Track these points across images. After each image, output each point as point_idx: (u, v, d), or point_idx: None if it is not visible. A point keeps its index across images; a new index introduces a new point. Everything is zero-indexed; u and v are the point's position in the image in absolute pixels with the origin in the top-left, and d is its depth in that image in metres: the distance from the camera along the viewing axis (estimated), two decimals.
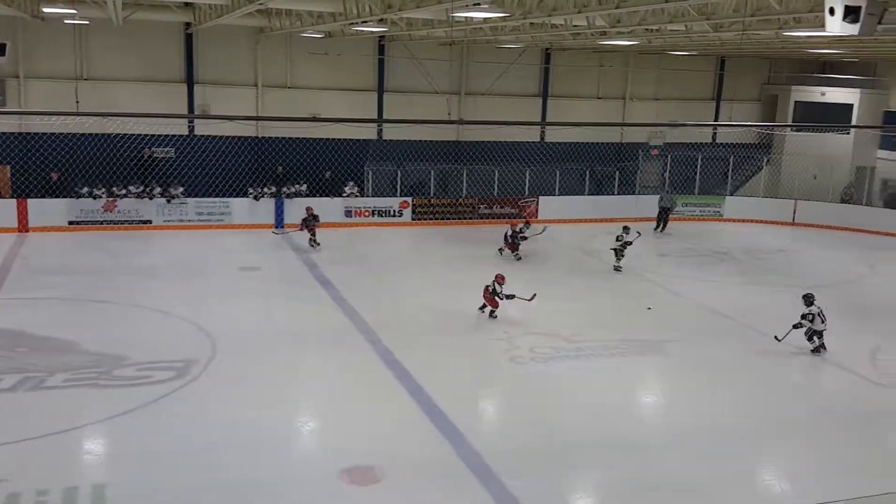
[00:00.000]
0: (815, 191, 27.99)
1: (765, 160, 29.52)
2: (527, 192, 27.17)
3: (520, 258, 20.84)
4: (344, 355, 13.63)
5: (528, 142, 27.90)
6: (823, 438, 11.26)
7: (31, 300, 15.89)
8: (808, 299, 14.34)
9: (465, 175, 26.65)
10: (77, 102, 22.99)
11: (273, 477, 9.39)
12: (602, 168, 28.00)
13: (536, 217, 26.52)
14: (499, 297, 15.51)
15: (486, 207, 26.55)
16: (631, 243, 20.06)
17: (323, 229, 22.20)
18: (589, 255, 22.27)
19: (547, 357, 13.82)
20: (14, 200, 22.45)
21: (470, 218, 26.23)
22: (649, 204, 26.81)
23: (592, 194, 27.52)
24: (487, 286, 15.62)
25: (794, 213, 27.41)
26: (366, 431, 10.69)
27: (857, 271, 21.56)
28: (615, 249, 20.12)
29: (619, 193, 27.75)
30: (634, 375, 13.44)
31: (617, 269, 20.05)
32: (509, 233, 21.29)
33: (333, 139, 25.21)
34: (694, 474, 9.88)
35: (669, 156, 29.02)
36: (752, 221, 27.42)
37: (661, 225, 25.80)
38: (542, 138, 28.65)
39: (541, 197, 26.95)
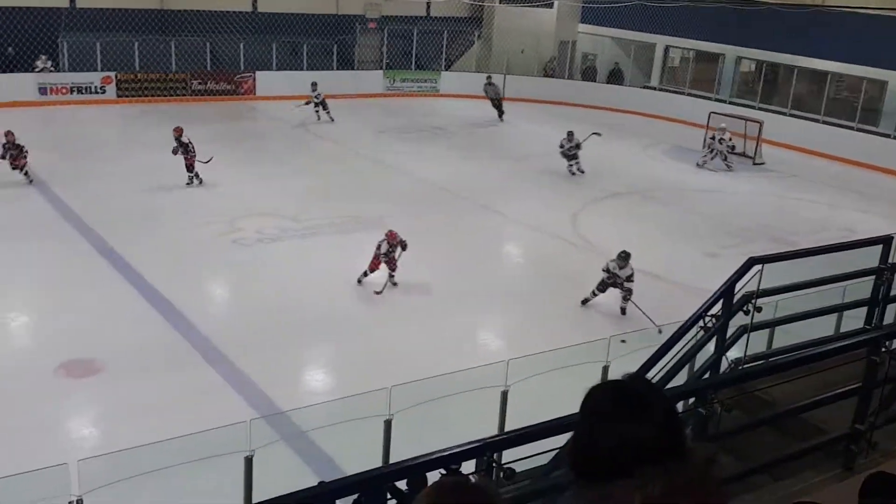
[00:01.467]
0: (523, 66, 29.54)
1: (476, 34, 30.57)
2: (242, 67, 26.11)
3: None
4: (53, 245, 12.80)
5: (239, 11, 26.47)
6: (532, 296, 12.40)
7: None
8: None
9: (173, 47, 24.91)
10: None
11: None
12: (320, 41, 27.40)
13: (255, 93, 25.75)
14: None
15: (199, 83, 25.18)
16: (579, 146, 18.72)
17: (12, 109, 19.90)
18: (311, 133, 22.13)
19: (272, 237, 13.81)
20: None
21: (182, 94, 24.77)
22: (368, 80, 26.97)
23: (311, 69, 26.93)
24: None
25: (504, 87, 28.80)
26: (85, 324, 10.25)
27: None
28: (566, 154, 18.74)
29: (337, 69, 27.45)
30: (357, 249, 13.77)
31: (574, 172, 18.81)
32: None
33: (17, 7, 22.28)
34: (411, 341, 10.51)
35: (387, 29, 29.10)
36: (466, 97, 28.44)
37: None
38: (255, 7, 27.33)
39: (258, 72, 26.05)
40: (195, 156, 15.85)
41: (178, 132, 15.76)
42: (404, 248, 11.94)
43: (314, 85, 22.39)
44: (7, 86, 21.78)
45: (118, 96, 23.82)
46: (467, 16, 30.69)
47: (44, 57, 22.78)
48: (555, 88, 28.91)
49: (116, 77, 23.78)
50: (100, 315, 10.54)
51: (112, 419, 8.40)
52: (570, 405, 2.07)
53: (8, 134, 15.46)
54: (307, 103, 22.43)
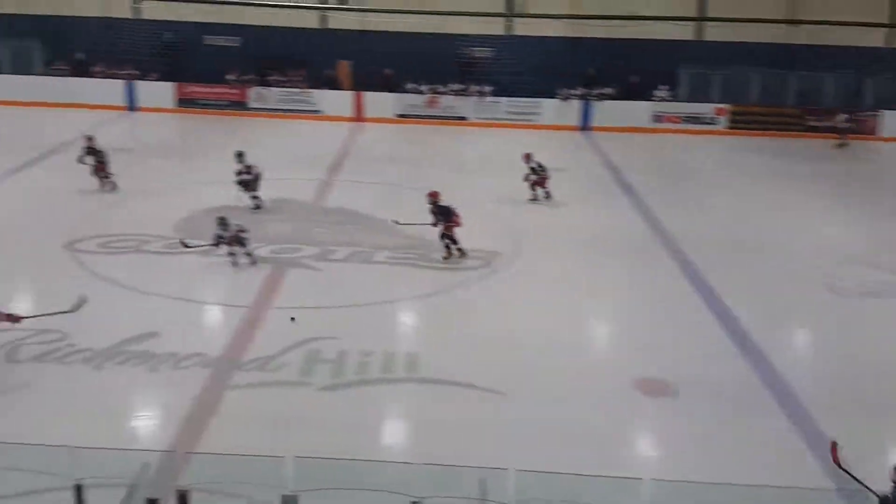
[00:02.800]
0: None
1: None
2: (866, 105, 24.53)
3: None
4: (643, 265, 13.51)
5: (872, 47, 24.99)
6: None
7: (363, 183, 17.82)
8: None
9: (793, 82, 24.63)
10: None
11: (568, 374, 9.70)
12: None
13: (875, 133, 24.07)
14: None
15: (814, 119, 24.45)
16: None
17: (629, 134, 22.07)
18: None
19: (873, 292, 12.60)
20: (353, 93, 24.93)
21: (796, 130, 24.38)
22: None
23: None
24: None
25: None
26: (664, 345, 10.53)
27: None
28: None
29: None
30: None
31: None
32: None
33: (647, 40, 24.58)
34: None
35: None
36: None
37: None
38: (891, 44, 25.42)
39: (886, 111, 24.13)
40: None
41: None
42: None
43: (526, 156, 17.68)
44: (624, 112, 24.21)
45: (729, 128, 24.57)
46: None
47: (662, 86, 24.70)
48: None
49: (730, 109, 24.56)
50: (678, 338, 10.74)
51: (672, 444, 8.45)
52: None
53: (89, 139, 16.33)
54: None
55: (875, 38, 25.27)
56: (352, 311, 11.11)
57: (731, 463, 7.88)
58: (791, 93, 24.88)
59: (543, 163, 17.01)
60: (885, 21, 25.39)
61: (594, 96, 24.64)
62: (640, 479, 5.89)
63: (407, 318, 11.35)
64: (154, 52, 25.08)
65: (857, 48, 24.35)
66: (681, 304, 11.98)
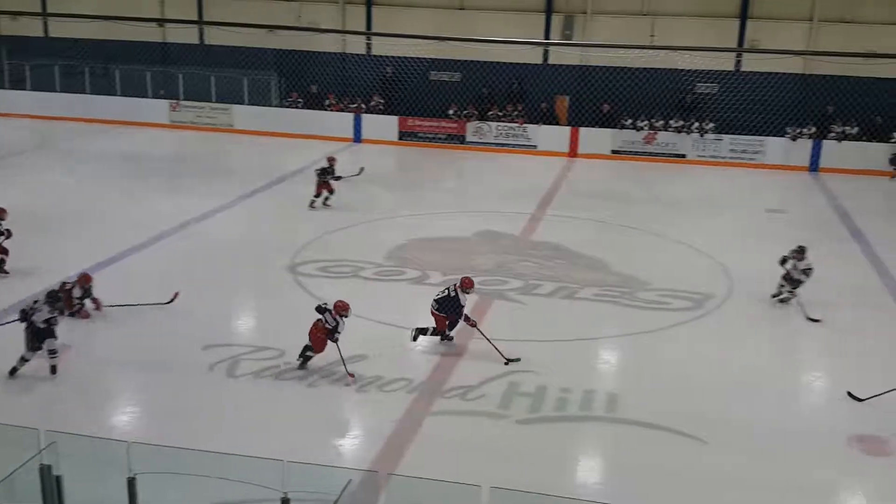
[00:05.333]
0: None
1: None
2: None
3: None
4: (867, 315, 12.75)
5: None
6: None
7: (572, 219, 17.85)
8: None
9: None
10: (652, 37, 24.30)
11: (775, 425, 9.35)
12: None
13: None
14: (335, 336, 10.18)
15: None
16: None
17: (864, 176, 20.49)
18: None
19: None
20: (569, 128, 25.07)
21: None
22: None
23: None
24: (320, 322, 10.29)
25: None
26: (883, 401, 9.84)
27: None
28: None
29: None
30: None
31: None
32: None
33: (891, 79, 22.79)
34: None
35: None
36: None
37: None
38: None
39: None
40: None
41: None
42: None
43: None
44: (860, 154, 22.68)
45: None
46: None
47: None
48: None
49: None
50: None
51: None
52: None
53: (330, 159, 17.80)
54: None
55: None
56: (554, 346, 11.16)
57: None
58: None
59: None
60: None
61: (833, 136, 23.16)
62: None
63: (610, 357, 11.22)
64: (379, 87, 26.51)
65: None
66: None
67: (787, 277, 12.79)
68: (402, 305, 12.55)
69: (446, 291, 10.95)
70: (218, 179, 20.47)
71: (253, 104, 27.10)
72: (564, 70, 25.41)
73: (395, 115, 26.03)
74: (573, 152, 24.70)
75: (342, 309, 10.15)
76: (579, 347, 11.30)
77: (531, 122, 25.17)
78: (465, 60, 25.65)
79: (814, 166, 23.11)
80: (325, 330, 10.12)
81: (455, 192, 21.09)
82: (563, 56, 25.30)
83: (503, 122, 25.29)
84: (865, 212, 18.72)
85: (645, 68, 23.35)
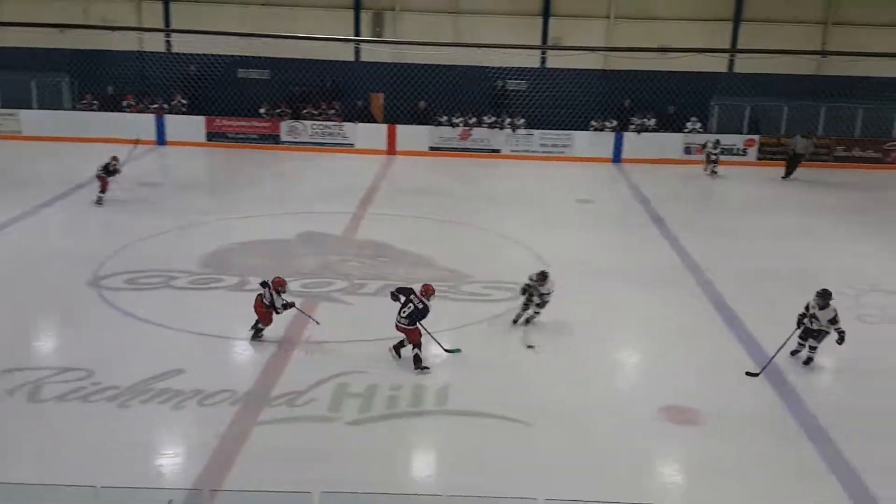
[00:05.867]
0: None
1: None
2: (895, 135, 24.34)
3: None
4: (671, 294, 13.55)
5: None
6: None
7: (394, 216, 17.85)
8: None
9: (822, 113, 24.49)
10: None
11: (591, 403, 9.77)
12: None
13: None
14: (276, 310, 11.01)
15: (843, 149, 24.36)
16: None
17: (661, 165, 21.89)
18: None
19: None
20: (386, 126, 25.07)
21: (824, 160, 24.21)
22: None
23: None
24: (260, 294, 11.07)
25: None
26: (687, 372, 10.66)
27: None
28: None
29: None
30: None
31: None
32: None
33: (680, 72, 24.49)
34: None
35: None
36: None
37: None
38: None
39: None
40: None
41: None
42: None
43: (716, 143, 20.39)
44: (657, 144, 24.18)
45: (758, 158, 24.40)
46: None
47: (694, 118, 24.58)
48: None
49: (760, 140, 24.41)
50: (704, 367, 10.82)
51: (700, 473, 8.53)
52: None
53: (114, 158, 17.55)
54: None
55: None
56: (382, 345, 11.03)
57: (755, 490, 8.00)
58: (820, 123, 24.62)
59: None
60: None
61: (633, 128, 24.58)
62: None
63: (437, 351, 11.25)
64: (182, 86, 25.29)
65: (888, 79, 24.01)
66: (708, 333, 12.05)
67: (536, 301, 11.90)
68: (222, 314, 12.00)
69: (411, 305, 10.49)
70: (9, 190, 18.76)
71: (43, 108, 25.17)
72: (378, 67, 25.38)
73: (202, 114, 24.99)
74: (391, 150, 24.75)
75: (279, 285, 10.80)
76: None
77: (348, 121, 24.98)
78: (275, 58, 24.98)
79: (617, 157, 24.44)
80: (264, 305, 10.78)
81: (272, 194, 20.54)
82: (376, 54, 25.21)
83: (318, 120, 24.93)
84: (664, 198, 19.97)
85: (456, 66, 23.75)
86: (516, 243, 16.06)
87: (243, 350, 10.83)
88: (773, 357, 10.64)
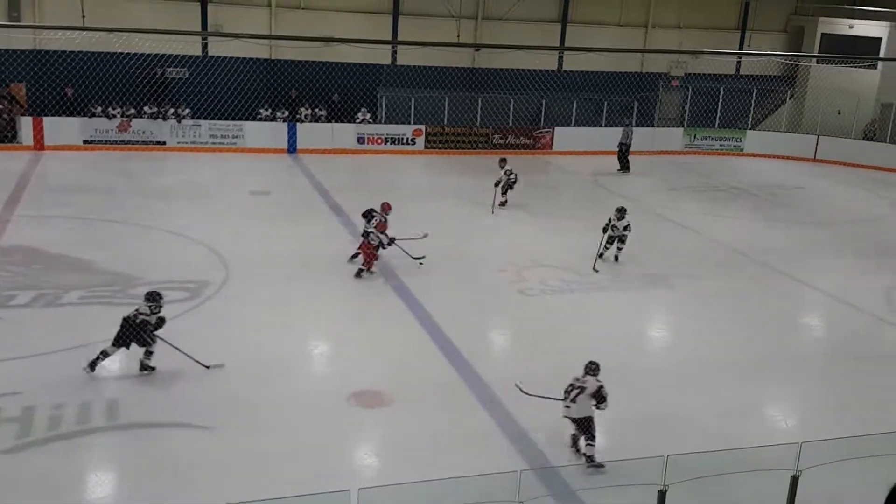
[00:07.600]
0: (839, 127, 27.52)
1: (788, 93, 28.98)
2: (542, 123, 26.90)
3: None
4: (351, 281, 13.70)
5: (545, 70, 27.24)
6: (831, 376, 11.35)
7: (47, 218, 16.06)
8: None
9: (479, 103, 26.33)
10: (83, 17, 22.14)
11: (282, 397, 9.61)
12: (620, 98, 27.42)
13: (551, 148, 26.44)
14: (382, 246, 13.90)
15: (500, 137, 26.33)
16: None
17: (336, 155, 22.10)
18: (604, 189, 22.20)
19: (556, 289, 13.88)
20: (30, 118, 22.44)
21: (483, 147, 26.03)
22: (666, 137, 26.68)
23: (610, 126, 26.90)
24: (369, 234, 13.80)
25: (816, 148, 27.16)
26: (374, 357, 10.86)
27: (876, 211, 21.41)
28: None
29: (637, 125, 26.92)
30: (640, 308, 13.53)
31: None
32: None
33: (347, 63, 24.87)
34: (691, 407, 9.98)
35: (691, 87, 28.50)
36: (772, 157, 27.19)
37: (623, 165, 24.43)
38: (560, 67, 28.08)
39: (556, 128, 26.69)
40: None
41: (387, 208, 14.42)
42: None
43: (502, 161, 19.38)
44: (330, 135, 24.38)
45: (426, 147, 25.60)
46: (779, 74, 29.10)
47: (364, 109, 25.15)
48: (874, 152, 26.61)
49: (426, 130, 25.61)
50: (391, 350, 11.13)
51: (392, 451, 8.77)
52: (869, 499, 1.81)
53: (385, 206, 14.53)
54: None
55: (548, 62, 27.58)
56: (38, 361, 9.83)
57: (442, 459, 8.28)
58: (478, 114, 26.45)
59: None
60: (557, 45, 27.85)
61: (304, 118, 24.47)
62: (348, 490, 5.87)
63: (106, 363, 10.22)
64: None
65: (533, 71, 26.45)
66: (389, 316, 12.42)
67: (612, 236, 15.04)
68: None
69: (373, 221, 13.63)
70: None
71: None
72: (17, 55, 22.62)
73: None
74: (39, 145, 22.22)
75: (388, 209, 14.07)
76: (69, 357, 10.06)
77: None
78: None
79: (292, 148, 24.20)
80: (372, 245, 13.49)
81: None
82: (12, 41, 22.40)
83: None
84: (339, 187, 20.13)
85: (105, 52, 21.88)
86: (189, 240, 15.25)
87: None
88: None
